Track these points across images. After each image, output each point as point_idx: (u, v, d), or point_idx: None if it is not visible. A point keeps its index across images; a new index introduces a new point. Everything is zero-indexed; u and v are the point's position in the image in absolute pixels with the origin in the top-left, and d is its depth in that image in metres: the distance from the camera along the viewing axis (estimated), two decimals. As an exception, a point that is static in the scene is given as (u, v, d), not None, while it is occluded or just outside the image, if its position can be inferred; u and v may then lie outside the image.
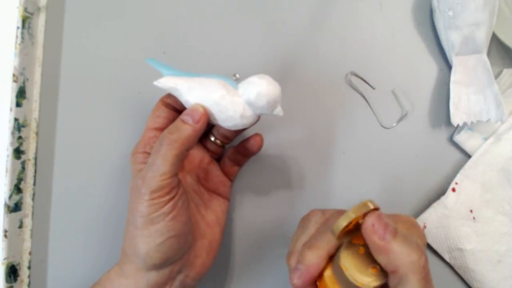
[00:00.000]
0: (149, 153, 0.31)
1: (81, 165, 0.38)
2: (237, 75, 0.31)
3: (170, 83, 0.29)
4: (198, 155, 0.35)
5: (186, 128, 0.28)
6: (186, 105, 0.30)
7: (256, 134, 0.34)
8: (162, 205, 0.27)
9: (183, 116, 0.28)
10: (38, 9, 0.40)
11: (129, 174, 0.31)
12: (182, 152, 0.28)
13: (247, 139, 0.34)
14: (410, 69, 0.40)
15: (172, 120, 0.32)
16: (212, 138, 0.35)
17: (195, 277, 0.31)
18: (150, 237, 0.27)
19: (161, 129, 0.31)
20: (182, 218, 0.28)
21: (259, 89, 0.28)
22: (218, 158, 0.36)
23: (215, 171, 0.35)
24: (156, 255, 0.28)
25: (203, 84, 0.29)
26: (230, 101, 0.29)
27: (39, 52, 0.39)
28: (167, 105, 0.32)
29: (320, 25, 0.40)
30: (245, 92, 0.29)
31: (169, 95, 0.31)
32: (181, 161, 0.28)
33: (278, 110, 0.30)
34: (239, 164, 0.36)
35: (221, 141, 0.35)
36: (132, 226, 0.28)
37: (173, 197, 0.28)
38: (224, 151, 0.37)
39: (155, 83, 0.29)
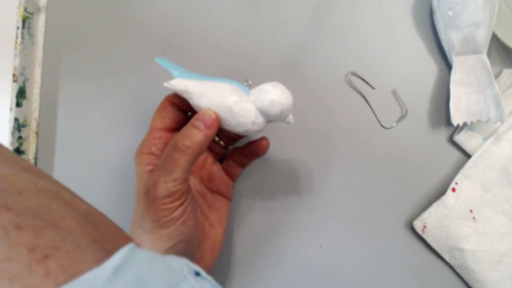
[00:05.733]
0: (155, 154, 0.30)
1: (81, 165, 0.38)
2: (250, 81, 0.31)
3: (182, 85, 0.29)
4: (201, 156, 0.35)
5: (198, 133, 0.27)
6: (196, 109, 0.29)
7: (263, 138, 0.33)
8: (173, 210, 0.27)
9: (195, 121, 0.28)
10: (38, 9, 0.40)
11: (130, 174, 0.31)
12: (194, 158, 0.28)
13: (253, 142, 0.33)
14: (410, 69, 0.40)
15: (178, 120, 0.32)
16: (216, 139, 0.35)
17: None
18: (159, 241, 0.27)
19: (167, 129, 0.31)
20: (191, 223, 0.28)
21: (272, 98, 0.28)
22: (220, 158, 0.36)
23: (218, 172, 0.35)
24: None
25: (215, 89, 0.28)
26: (242, 108, 0.28)
27: (39, 52, 0.39)
28: (173, 105, 0.31)
29: (320, 25, 0.40)
30: (258, 99, 0.28)
31: (175, 95, 0.31)
32: (192, 166, 0.28)
33: (290, 118, 0.30)
34: (243, 165, 0.36)
35: (225, 143, 0.35)
36: (141, 230, 0.28)
37: (183, 202, 0.28)
38: (227, 152, 0.37)
39: (166, 84, 0.29)
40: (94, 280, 0.15)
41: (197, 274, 0.18)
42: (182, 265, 0.18)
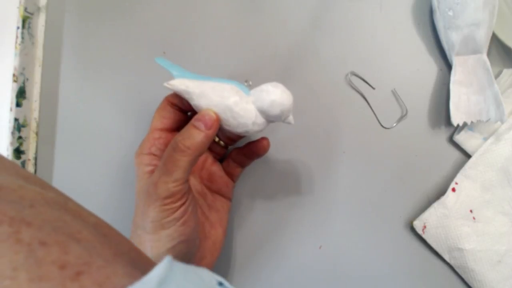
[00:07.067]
0: (155, 155, 0.30)
1: (81, 165, 0.38)
2: (250, 82, 0.31)
3: (182, 86, 0.28)
4: (202, 156, 0.35)
5: (199, 134, 0.27)
6: (196, 109, 0.29)
7: (263, 138, 0.33)
8: (174, 211, 0.27)
9: (195, 122, 0.28)
10: (38, 9, 0.40)
11: (130, 174, 0.31)
12: (195, 159, 0.28)
13: (254, 142, 0.33)
14: (410, 69, 0.40)
15: (178, 120, 0.32)
16: (216, 139, 0.35)
17: None
18: (160, 242, 0.27)
19: (167, 129, 0.31)
20: (191, 223, 0.28)
21: (273, 98, 0.28)
22: (220, 159, 0.36)
23: (218, 172, 0.35)
24: None
25: (216, 89, 0.28)
26: (243, 108, 0.28)
27: (39, 52, 0.39)
28: (173, 105, 0.31)
29: (320, 25, 0.40)
30: (258, 99, 0.28)
31: (175, 95, 0.31)
32: (192, 166, 0.28)
33: (290, 119, 0.30)
34: (243, 165, 0.36)
35: (225, 143, 0.35)
36: (142, 230, 0.28)
37: (184, 203, 0.28)
38: (227, 152, 0.37)
39: (166, 84, 0.29)
40: None
41: (220, 284, 0.18)
42: (210, 276, 0.17)
